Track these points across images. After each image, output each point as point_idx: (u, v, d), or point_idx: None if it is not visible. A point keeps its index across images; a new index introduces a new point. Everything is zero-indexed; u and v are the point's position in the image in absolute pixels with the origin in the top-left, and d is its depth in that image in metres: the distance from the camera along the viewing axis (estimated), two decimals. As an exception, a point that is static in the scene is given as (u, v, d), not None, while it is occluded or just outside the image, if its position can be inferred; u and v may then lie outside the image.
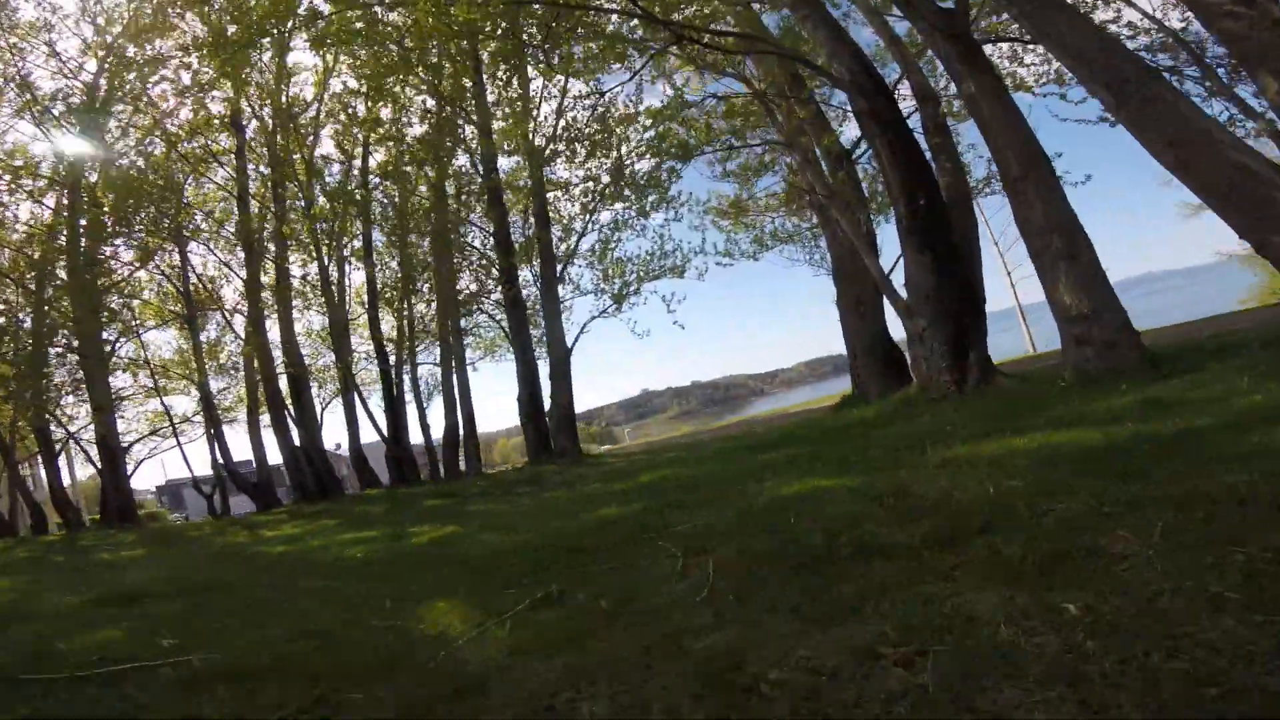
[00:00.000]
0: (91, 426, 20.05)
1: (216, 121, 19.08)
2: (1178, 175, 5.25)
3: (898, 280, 11.28)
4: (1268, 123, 7.24)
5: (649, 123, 12.57)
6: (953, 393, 9.51)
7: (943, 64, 8.53)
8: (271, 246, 20.52)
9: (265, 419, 20.77)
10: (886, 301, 12.29)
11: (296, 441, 19.76)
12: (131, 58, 17.69)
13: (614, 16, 10.42)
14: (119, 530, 15.07)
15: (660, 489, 6.88)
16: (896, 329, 13.13)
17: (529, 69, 16.88)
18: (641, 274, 19.21)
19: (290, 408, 20.43)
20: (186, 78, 17.24)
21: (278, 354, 20.56)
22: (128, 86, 17.82)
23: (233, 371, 23.91)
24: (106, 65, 17.84)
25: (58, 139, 17.63)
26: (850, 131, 13.64)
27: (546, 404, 18.70)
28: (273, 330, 20.87)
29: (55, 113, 17.26)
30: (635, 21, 10.87)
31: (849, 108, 11.31)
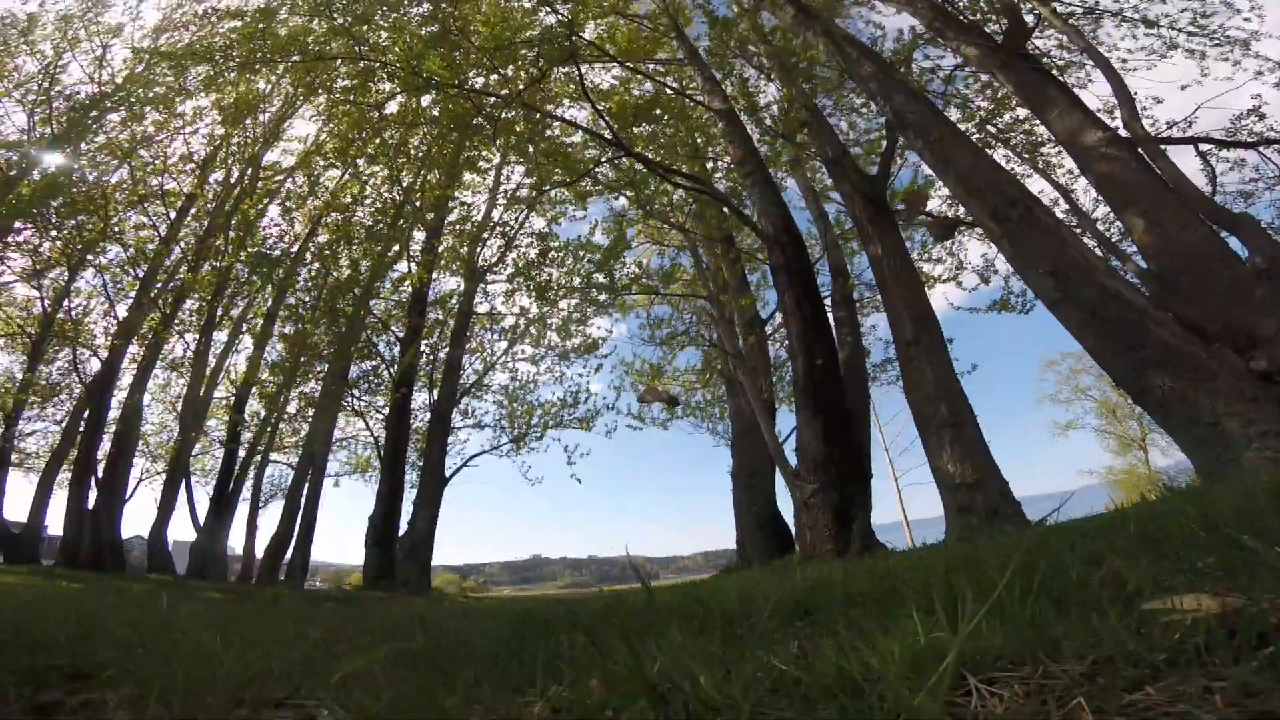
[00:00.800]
0: None
1: (189, 164, 18.54)
2: (1056, 309, 5.40)
3: (792, 453, 11.16)
4: (1135, 264, 7.98)
5: (592, 255, 12.91)
6: (833, 560, 8.82)
7: (856, 226, 9.27)
8: (169, 296, 18.92)
9: (63, 476, 17.63)
10: (778, 475, 12.00)
11: (90, 505, 16.45)
12: (149, 72, 17.14)
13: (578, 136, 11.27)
14: None
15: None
16: (785, 505, 12.71)
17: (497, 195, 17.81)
18: (548, 420, 18.59)
19: (99, 470, 17.33)
20: (189, 106, 17.06)
21: (114, 410, 18.06)
22: (140, 97, 17.14)
23: (55, 416, 20.73)
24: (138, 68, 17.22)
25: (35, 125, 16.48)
26: (766, 309, 14.45)
27: (403, 530, 16.52)
28: (122, 379, 18.52)
29: (56, 105, 16.43)
30: (598, 153, 11.68)
31: (769, 279, 11.97)
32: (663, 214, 12.63)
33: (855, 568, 4.79)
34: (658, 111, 12.47)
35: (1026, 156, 12.87)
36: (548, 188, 11.87)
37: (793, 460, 10.58)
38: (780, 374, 14.38)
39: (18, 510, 18.00)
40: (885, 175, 9.06)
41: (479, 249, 17.13)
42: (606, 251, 13.33)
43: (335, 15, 10.43)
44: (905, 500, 27.60)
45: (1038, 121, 9.81)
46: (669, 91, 12.78)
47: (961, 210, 10.94)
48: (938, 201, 13.82)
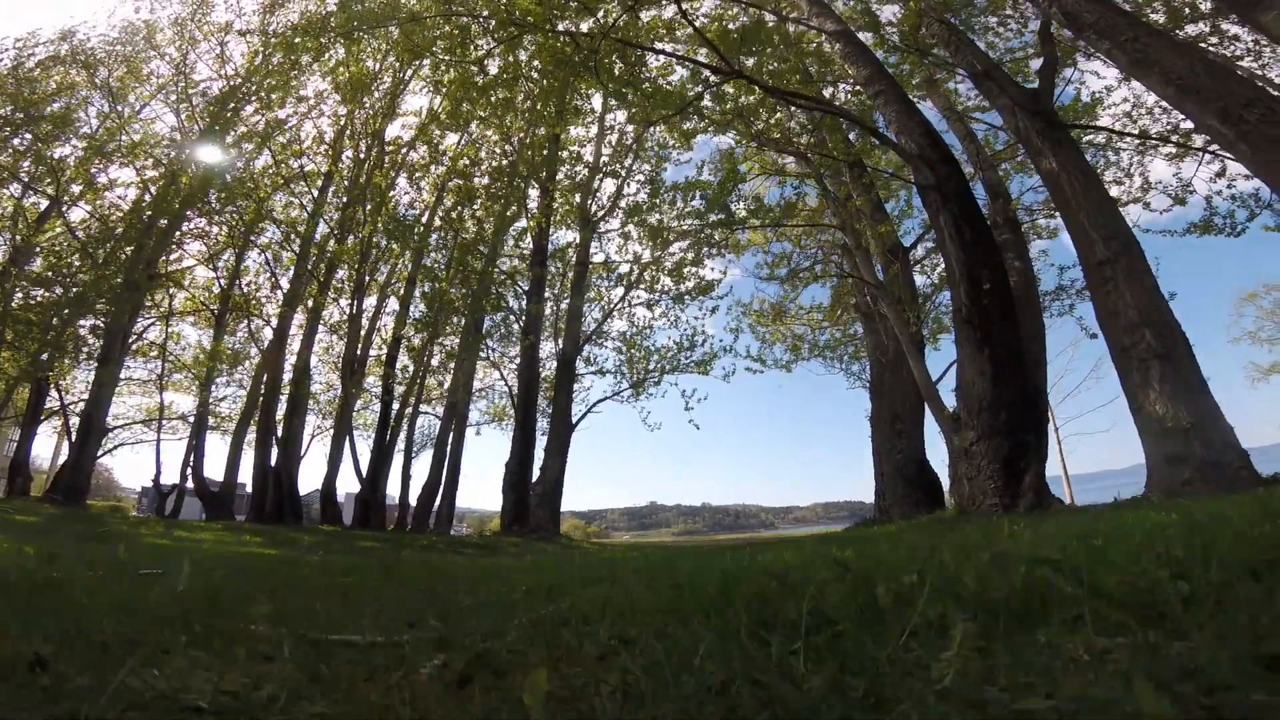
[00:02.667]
0: (83, 401, 19.48)
1: (323, 145, 19.94)
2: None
3: (948, 394, 9.98)
4: None
5: (704, 192, 12.12)
6: (999, 516, 7.73)
7: (1022, 142, 7.77)
8: (322, 267, 20.56)
9: (250, 436, 20.08)
10: (928, 420, 10.85)
11: (273, 463, 18.58)
12: (266, 63, 18.57)
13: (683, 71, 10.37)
14: (41, 504, 14.10)
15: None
16: (932, 453, 11.55)
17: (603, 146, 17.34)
18: (665, 365, 18.32)
19: (279, 428, 19.47)
20: (311, 89, 18.31)
21: (288, 373, 20.13)
22: (265, 85, 18.64)
23: (241, 381, 23.61)
24: (257, 60, 18.84)
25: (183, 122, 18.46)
26: (907, 238, 12.87)
27: (536, 476, 17.19)
28: (292, 344, 20.53)
29: (195, 102, 18.36)
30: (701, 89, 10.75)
31: (911, 201, 10.58)
32: (779, 143, 11.42)
33: (1053, 527, 3.83)
34: (760, 41, 11.26)
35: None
36: (652, 124, 11.12)
37: (949, 402, 9.43)
38: (926, 307, 12.85)
39: (217, 469, 20.76)
40: (1049, 87, 7.44)
41: (590, 198, 16.84)
42: (718, 187, 12.48)
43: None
44: (1065, 453, 24.37)
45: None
46: (769, 21, 11.47)
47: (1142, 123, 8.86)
48: (1109, 119, 11.68)
